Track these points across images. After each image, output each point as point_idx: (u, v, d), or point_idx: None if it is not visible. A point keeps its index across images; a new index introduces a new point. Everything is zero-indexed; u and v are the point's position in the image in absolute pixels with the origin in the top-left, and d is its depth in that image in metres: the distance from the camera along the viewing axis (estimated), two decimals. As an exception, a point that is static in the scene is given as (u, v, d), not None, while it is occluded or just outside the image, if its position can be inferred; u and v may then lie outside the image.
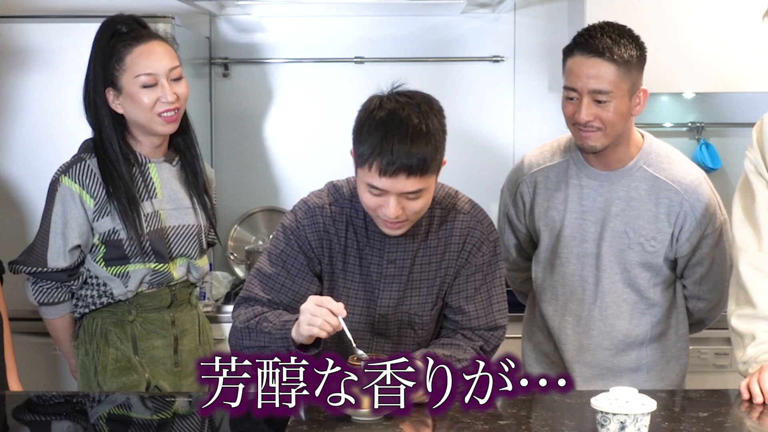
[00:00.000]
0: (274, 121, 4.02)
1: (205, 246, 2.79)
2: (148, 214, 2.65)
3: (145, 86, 2.59)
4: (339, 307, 2.09)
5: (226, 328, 3.37)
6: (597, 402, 1.92)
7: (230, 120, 4.03)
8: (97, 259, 2.66)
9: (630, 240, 2.56)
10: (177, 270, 2.71)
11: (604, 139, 2.47)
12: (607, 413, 1.90)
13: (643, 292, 2.59)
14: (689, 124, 3.92)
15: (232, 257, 3.97)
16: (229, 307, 3.48)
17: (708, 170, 3.83)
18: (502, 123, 4.01)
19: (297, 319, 2.15)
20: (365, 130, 2.14)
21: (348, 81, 3.99)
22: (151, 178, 2.69)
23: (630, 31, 2.49)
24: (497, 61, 3.97)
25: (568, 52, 2.51)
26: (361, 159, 2.14)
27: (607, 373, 2.63)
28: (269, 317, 2.22)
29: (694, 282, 2.63)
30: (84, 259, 2.68)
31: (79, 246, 2.63)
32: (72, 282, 2.67)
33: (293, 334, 2.14)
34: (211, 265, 3.71)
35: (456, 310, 2.34)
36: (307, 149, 4.02)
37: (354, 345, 2.12)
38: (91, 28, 3.11)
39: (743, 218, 2.36)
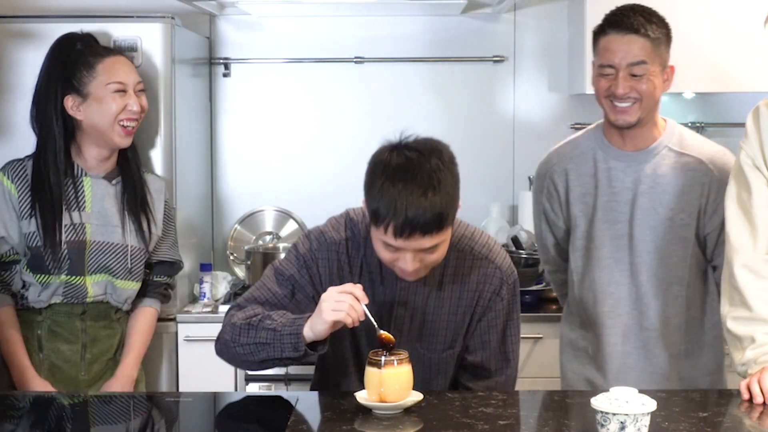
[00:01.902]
0: (274, 121, 4.02)
1: (132, 267, 2.81)
2: (70, 225, 2.75)
3: (116, 92, 2.75)
4: (362, 294, 2.11)
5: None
6: (597, 402, 1.92)
7: (230, 120, 4.02)
8: (24, 266, 2.76)
9: (659, 216, 2.59)
10: (93, 286, 2.77)
11: (639, 112, 2.55)
12: (607, 413, 1.90)
13: (675, 271, 2.60)
14: (689, 124, 3.91)
15: (232, 257, 3.97)
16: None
17: (708, 170, 3.83)
18: (502, 123, 4.01)
19: (308, 316, 2.15)
20: (377, 189, 2.10)
21: (348, 81, 3.99)
22: (83, 190, 2.79)
23: (657, 12, 2.61)
24: (498, 61, 3.97)
25: (601, 31, 2.59)
26: (375, 218, 2.11)
27: (649, 355, 2.63)
28: (273, 316, 2.21)
29: None
30: (16, 259, 2.77)
31: (3, 238, 2.74)
32: (4, 273, 2.76)
33: (305, 331, 2.14)
34: (210, 265, 3.71)
35: (476, 352, 2.35)
36: (306, 149, 4.02)
37: (378, 328, 2.14)
38: (93, 28, 3.12)
39: (738, 214, 2.33)
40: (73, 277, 2.75)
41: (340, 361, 2.36)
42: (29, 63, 3.12)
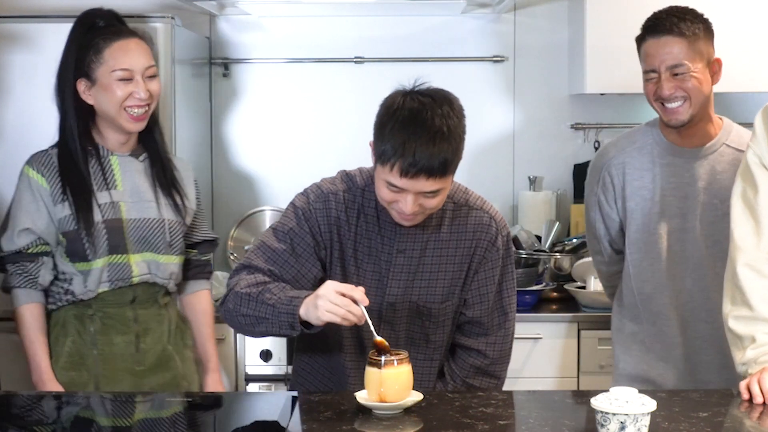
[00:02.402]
0: (274, 121, 4.03)
1: (171, 241, 2.76)
2: (104, 204, 2.69)
3: (121, 80, 2.65)
4: (362, 297, 2.12)
5: (228, 327, 3.37)
6: (597, 402, 1.92)
7: (230, 120, 4.03)
8: (62, 254, 2.70)
9: (719, 210, 2.63)
10: (137, 265, 2.71)
11: (690, 109, 2.60)
12: (607, 413, 1.89)
13: None
14: (689, 124, 3.92)
15: (232, 257, 3.97)
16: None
17: (708, 170, 3.83)
18: (503, 123, 4.01)
19: (306, 296, 2.16)
20: (388, 130, 2.17)
21: (347, 81, 3.99)
22: (111, 170, 2.73)
23: (692, 9, 2.65)
24: (498, 61, 3.97)
25: (641, 39, 2.65)
26: (382, 158, 2.17)
27: (710, 348, 2.65)
28: (272, 289, 2.22)
29: None
30: (45, 250, 2.70)
31: (28, 229, 2.67)
32: (30, 265, 2.68)
33: (301, 311, 2.15)
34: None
35: (474, 306, 2.38)
36: (306, 149, 4.03)
37: (375, 333, 2.14)
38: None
39: (744, 212, 2.32)
40: (116, 256, 2.68)
41: (335, 332, 2.35)
42: (22, 65, 3.11)
